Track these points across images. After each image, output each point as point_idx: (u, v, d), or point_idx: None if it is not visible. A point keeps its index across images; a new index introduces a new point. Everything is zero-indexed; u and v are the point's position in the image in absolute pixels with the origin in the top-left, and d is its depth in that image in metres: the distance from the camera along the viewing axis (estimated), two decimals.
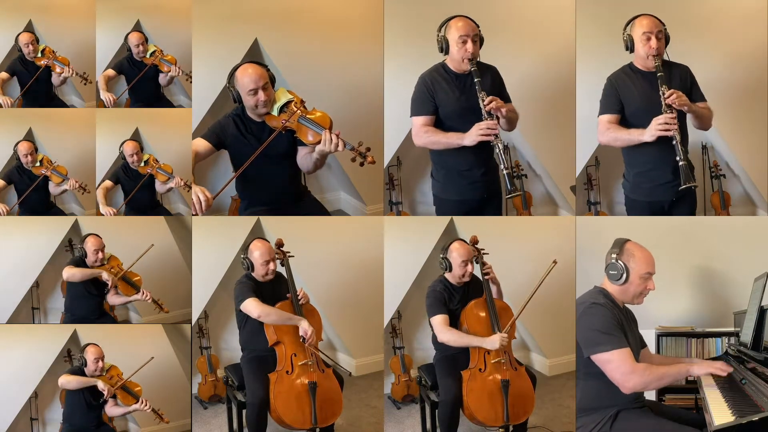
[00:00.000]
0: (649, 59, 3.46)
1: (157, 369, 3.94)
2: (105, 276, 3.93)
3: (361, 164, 3.31)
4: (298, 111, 3.37)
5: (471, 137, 3.45)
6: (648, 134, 3.42)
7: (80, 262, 3.97)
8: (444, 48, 3.53)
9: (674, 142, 3.39)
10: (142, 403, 3.77)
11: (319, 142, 3.32)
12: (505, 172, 3.44)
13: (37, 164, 4.12)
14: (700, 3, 3.90)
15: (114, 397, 3.80)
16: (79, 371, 3.80)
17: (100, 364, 3.78)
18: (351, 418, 3.80)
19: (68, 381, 3.78)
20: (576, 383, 3.11)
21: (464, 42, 3.47)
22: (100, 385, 3.75)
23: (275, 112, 3.40)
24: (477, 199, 3.61)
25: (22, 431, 4.02)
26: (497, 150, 3.43)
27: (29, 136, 4.14)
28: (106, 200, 4.04)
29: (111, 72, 4.14)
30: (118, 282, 3.97)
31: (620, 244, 3.08)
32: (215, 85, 3.93)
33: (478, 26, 3.53)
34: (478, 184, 3.58)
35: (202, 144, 3.42)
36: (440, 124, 3.55)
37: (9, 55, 4.19)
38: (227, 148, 3.47)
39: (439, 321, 3.53)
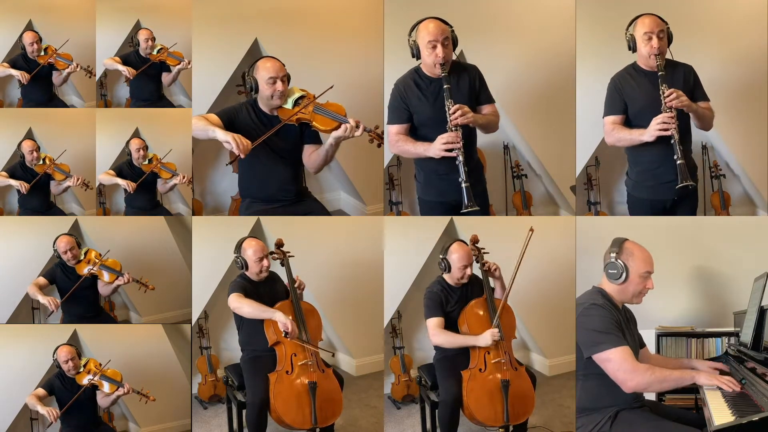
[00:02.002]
0: (651, 59, 3.47)
1: (157, 369, 3.95)
2: (41, 299, 3.90)
3: (379, 145, 3.41)
4: (312, 101, 3.42)
5: (434, 150, 3.41)
6: (648, 134, 3.44)
7: (60, 264, 3.96)
8: (415, 53, 3.47)
9: (672, 141, 3.40)
10: (124, 387, 3.77)
11: (334, 129, 3.38)
12: (464, 185, 3.39)
13: (40, 162, 4.12)
14: (700, 3, 3.90)
15: (97, 388, 3.80)
16: (57, 375, 3.79)
17: (72, 363, 3.77)
18: (351, 418, 3.80)
19: (28, 401, 3.79)
20: (576, 383, 3.11)
21: (434, 47, 3.40)
22: (41, 410, 3.72)
23: (289, 106, 3.45)
24: (458, 201, 3.54)
25: (22, 431, 4.02)
26: (458, 161, 3.37)
27: (29, 136, 4.14)
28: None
29: (118, 59, 4.14)
30: (99, 272, 3.95)
31: (619, 243, 3.08)
32: (215, 85, 3.94)
33: (451, 27, 3.46)
34: (458, 186, 3.52)
35: (214, 118, 3.41)
36: (415, 131, 3.52)
37: (9, 54, 4.20)
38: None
39: (432, 324, 3.54)
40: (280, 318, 3.44)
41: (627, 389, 2.92)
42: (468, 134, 3.49)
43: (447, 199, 3.56)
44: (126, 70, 4.12)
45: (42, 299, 3.92)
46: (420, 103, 3.48)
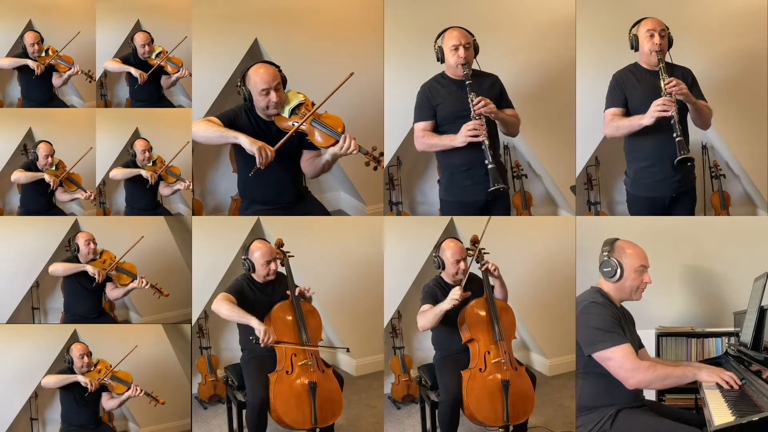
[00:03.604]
0: (653, 55, 3.53)
1: (157, 369, 3.95)
2: (90, 269, 3.93)
3: (375, 168, 3.41)
4: (311, 113, 3.37)
5: (460, 138, 3.54)
6: (647, 117, 3.50)
7: (74, 259, 3.97)
8: (440, 57, 3.62)
9: (672, 122, 3.46)
10: (134, 389, 3.78)
11: (331, 145, 3.36)
12: (489, 167, 3.52)
13: (53, 168, 4.12)
14: (701, 3, 3.90)
15: (107, 390, 3.80)
16: (68, 371, 3.81)
17: (86, 360, 3.79)
18: (351, 418, 3.80)
19: (48, 380, 3.80)
20: (575, 382, 3.12)
21: (456, 49, 3.55)
22: (82, 379, 3.76)
23: (286, 114, 3.40)
24: (481, 200, 3.62)
25: (22, 431, 4.02)
26: (483, 146, 3.49)
27: (29, 136, 4.14)
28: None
29: (119, 60, 4.14)
30: (114, 274, 3.96)
31: (611, 243, 3.13)
32: (215, 85, 3.94)
33: (473, 35, 3.59)
34: (480, 185, 3.58)
35: (216, 121, 3.38)
36: (436, 129, 3.63)
37: (9, 54, 4.19)
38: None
39: (420, 311, 3.54)
40: (255, 325, 3.38)
41: (629, 386, 2.93)
42: (492, 135, 3.58)
43: (469, 199, 3.62)
44: (138, 74, 4.11)
45: (91, 270, 3.92)
46: (443, 102, 3.61)
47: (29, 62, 4.15)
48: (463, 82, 3.56)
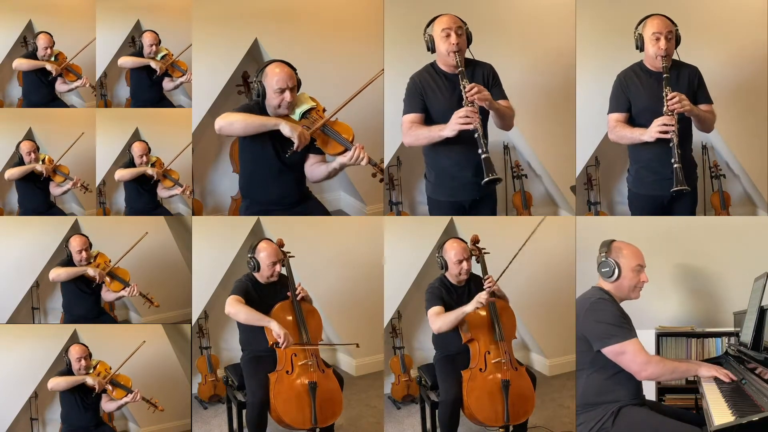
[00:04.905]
0: (658, 59, 3.49)
1: (157, 369, 3.95)
2: (90, 272, 3.93)
3: (381, 180, 3.47)
4: (322, 120, 3.36)
5: (450, 127, 3.39)
6: (648, 135, 3.47)
7: (68, 263, 3.97)
8: (431, 46, 3.51)
9: (671, 144, 3.42)
10: (134, 395, 3.78)
11: (339, 154, 3.36)
12: (483, 156, 3.37)
13: (40, 162, 4.12)
14: (701, 3, 3.90)
15: (105, 392, 3.80)
16: (68, 372, 3.80)
17: (83, 362, 3.78)
18: (351, 418, 3.80)
19: (57, 383, 3.79)
20: (577, 379, 3.13)
21: (447, 35, 3.44)
22: (89, 381, 3.76)
23: (296, 117, 3.39)
24: (468, 200, 3.60)
25: (22, 431, 4.02)
26: (476, 135, 3.35)
27: (29, 136, 4.14)
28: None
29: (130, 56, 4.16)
30: (106, 280, 3.96)
31: (607, 244, 3.16)
32: (215, 85, 3.94)
33: (465, 22, 3.50)
34: (470, 185, 3.56)
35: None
36: (431, 123, 3.52)
37: (10, 54, 4.19)
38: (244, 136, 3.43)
39: (433, 312, 3.52)
40: (274, 328, 3.41)
41: (641, 378, 3.02)
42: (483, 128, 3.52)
43: (458, 199, 3.59)
44: (158, 66, 4.10)
45: (91, 272, 3.93)
46: (436, 97, 3.50)
47: (48, 65, 4.14)
48: (454, 76, 3.46)
